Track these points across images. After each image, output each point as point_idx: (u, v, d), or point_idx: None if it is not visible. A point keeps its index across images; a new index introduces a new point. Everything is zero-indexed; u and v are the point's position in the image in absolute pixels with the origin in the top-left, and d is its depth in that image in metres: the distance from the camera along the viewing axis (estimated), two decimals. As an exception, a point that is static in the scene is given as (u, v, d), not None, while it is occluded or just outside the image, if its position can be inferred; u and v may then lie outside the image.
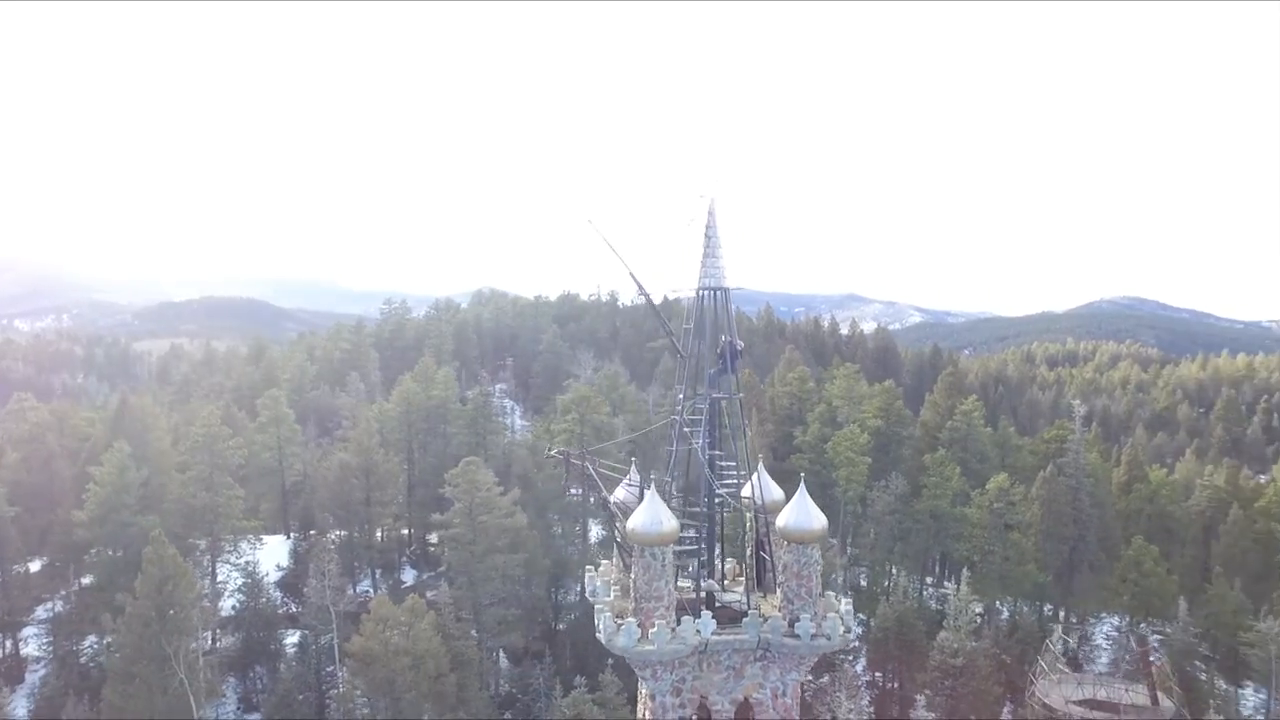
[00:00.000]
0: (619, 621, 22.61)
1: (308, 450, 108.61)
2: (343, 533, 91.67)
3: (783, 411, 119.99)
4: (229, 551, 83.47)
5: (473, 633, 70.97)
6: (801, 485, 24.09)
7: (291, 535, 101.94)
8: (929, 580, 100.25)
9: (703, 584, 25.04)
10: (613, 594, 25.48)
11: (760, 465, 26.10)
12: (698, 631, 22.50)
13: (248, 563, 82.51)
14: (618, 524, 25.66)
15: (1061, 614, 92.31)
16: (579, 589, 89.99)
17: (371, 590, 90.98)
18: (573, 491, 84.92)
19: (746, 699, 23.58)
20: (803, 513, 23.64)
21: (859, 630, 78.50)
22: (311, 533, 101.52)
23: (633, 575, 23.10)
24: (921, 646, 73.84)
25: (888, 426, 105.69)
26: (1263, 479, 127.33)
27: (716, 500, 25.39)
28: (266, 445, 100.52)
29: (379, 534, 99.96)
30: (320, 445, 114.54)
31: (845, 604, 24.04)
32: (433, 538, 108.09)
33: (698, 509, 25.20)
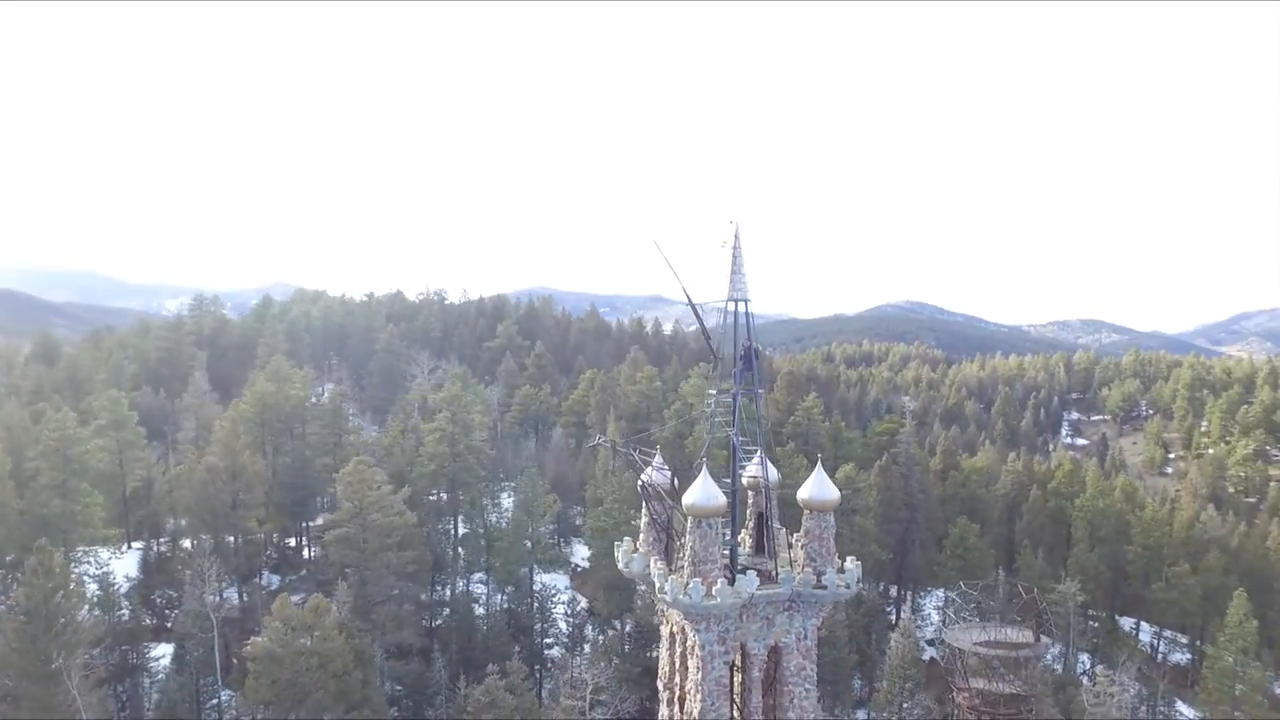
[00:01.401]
0: (686, 583, 26.55)
1: (145, 454, 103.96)
2: (203, 538, 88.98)
3: (632, 410, 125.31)
4: (85, 562, 79.50)
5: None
6: (819, 464, 28.94)
7: (131, 544, 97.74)
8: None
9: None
10: (652, 563, 29.31)
11: (761, 450, 30.73)
12: (745, 588, 26.83)
13: (106, 574, 78.98)
14: (654, 502, 29.61)
15: (894, 589, 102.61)
16: (450, 586, 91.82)
17: (238, 597, 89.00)
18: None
19: (776, 644, 28.10)
20: (821, 486, 28.50)
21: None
22: (163, 540, 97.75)
23: (689, 543, 27.06)
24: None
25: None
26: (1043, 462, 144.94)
27: (741, 479, 29.78)
28: (105, 449, 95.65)
29: (237, 539, 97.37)
30: (154, 448, 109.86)
31: (851, 561, 29.00)
32: (292, 541, 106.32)
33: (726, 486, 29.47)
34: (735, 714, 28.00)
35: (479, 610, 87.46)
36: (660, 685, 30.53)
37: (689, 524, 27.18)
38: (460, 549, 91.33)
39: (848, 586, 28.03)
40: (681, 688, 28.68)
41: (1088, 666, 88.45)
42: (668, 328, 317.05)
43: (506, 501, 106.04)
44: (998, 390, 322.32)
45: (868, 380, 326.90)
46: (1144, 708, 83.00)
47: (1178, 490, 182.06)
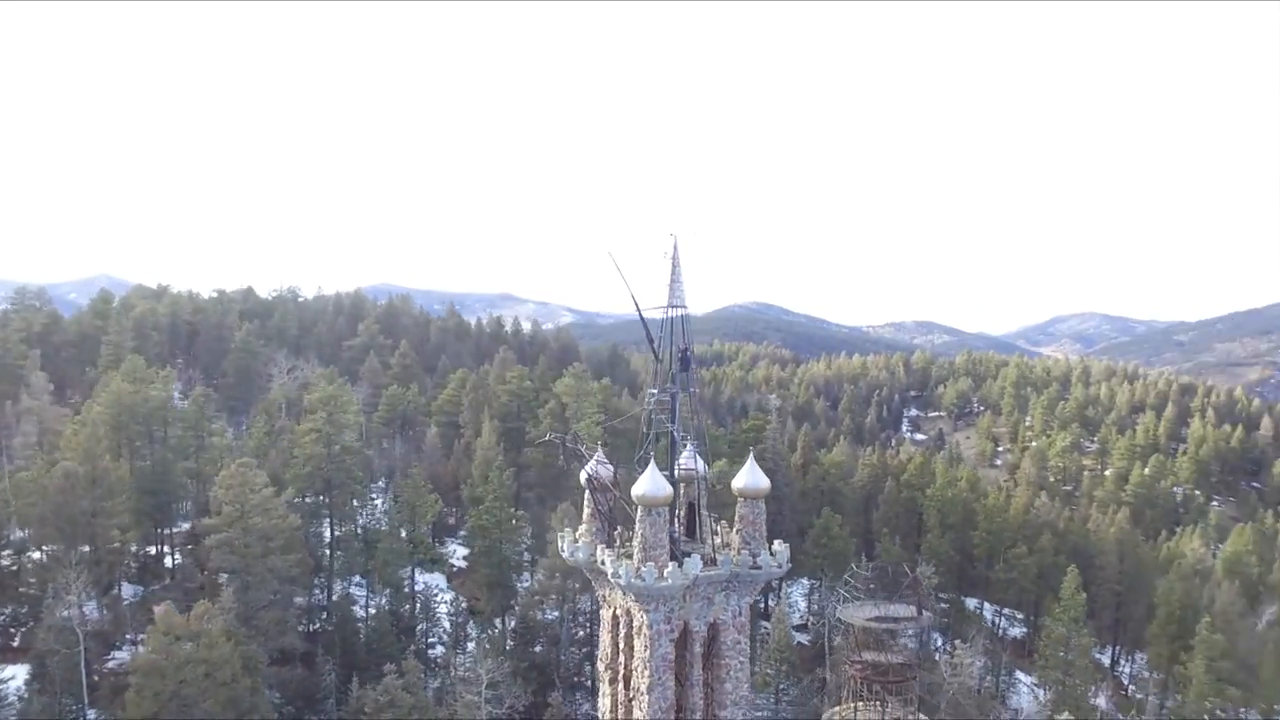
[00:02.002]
0: (638, 567, 28.65)
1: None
2: (55, 548, 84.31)
3: (503, 409, 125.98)
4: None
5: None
6: (751, 456, 31.62)
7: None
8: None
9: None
10: (599, 551, 31.27)
11: (690, 444, 33.21)
12: (692, 570, 29.18)
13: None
14: (599, 494, 31.58)
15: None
16: (327, 590, 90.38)
17: (97, 610, 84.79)
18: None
19: (715, 621, 30.59)
20: (755, 476, 31.20)
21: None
22: (6, 552, 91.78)
23: (640, 530, 29.18)
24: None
25: (608, 420, 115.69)
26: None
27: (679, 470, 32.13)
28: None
29: (93, 548, 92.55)
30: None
31: (780, 544, 31.80)
32: (152, 549, 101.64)
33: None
34: (677, 687, 30.27)
35: (359, 613, 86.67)
36: (601, 666, 32.50)
37: (639, 513, 29.30)
38: (339, 551, 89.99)
39: (779, 566, 30.83)
40: (626, 666, 30.74)
41: (940, 644, 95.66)
42: (527, 326, 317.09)
43: (377, 502, 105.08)
44: (844, 388, 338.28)
45: (721, 379, 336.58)
46: (989, 677, 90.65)
47: (1007, 481, 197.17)
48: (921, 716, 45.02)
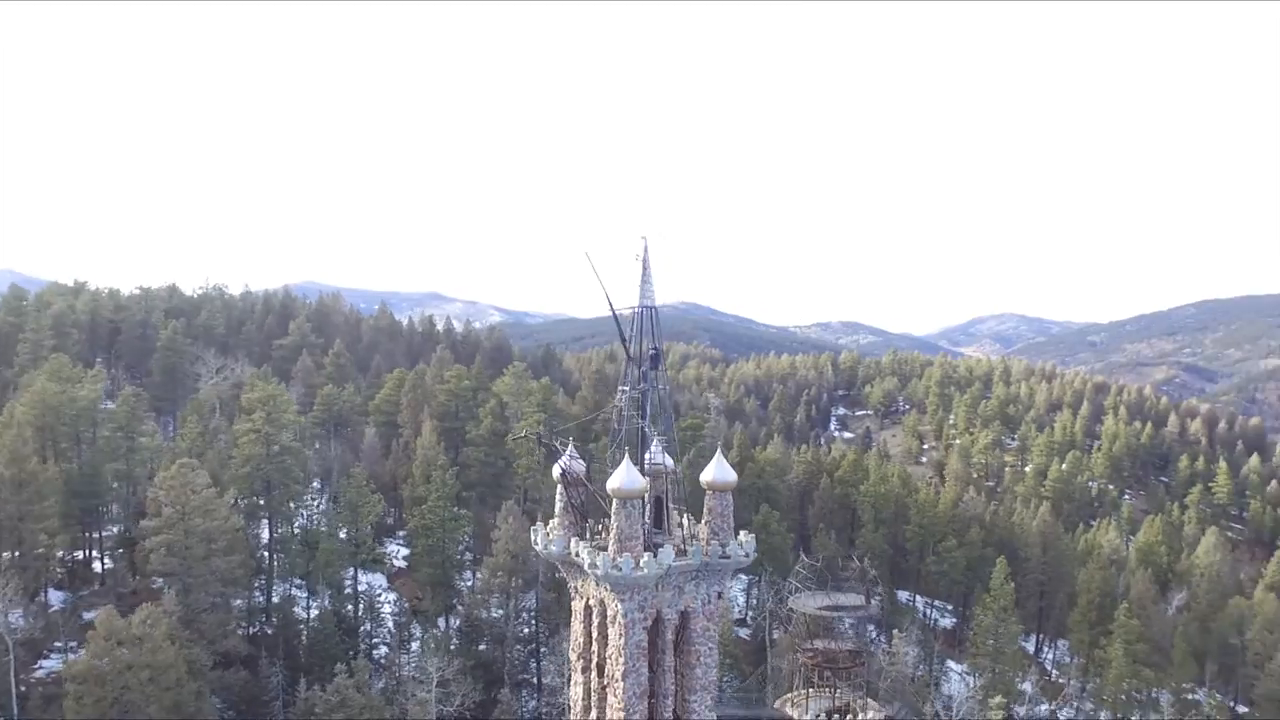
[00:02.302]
0: (614, 558, 29.64)
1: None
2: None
3: (442, 409, 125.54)
4: None
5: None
6: (720, 450, 32.83)
7: None
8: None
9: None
10: (573, 544, 32.18)
11: (658, 439, 34.34)
12: (666, 560, 30.29)
13: None
14: (573, 488, 32.48)
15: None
16: (267, 592, 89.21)
17: (24, 618, 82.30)
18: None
19: (686, 609, 31.76)
20: (723, 470, 32.48)
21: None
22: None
23: (615, 522, 30.17)
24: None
25: (549, 419, 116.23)
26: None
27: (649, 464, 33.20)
28: None
29: (14, 553, 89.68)
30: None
31: (745, 535, 33.10)
32: (80, 554, 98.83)
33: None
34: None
35: (300, 614, 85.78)
36: (573, 656, 33.42)
37: (614, 505, 30.31)
38: (279, 552, 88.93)
39: (746, 555, 32.14)
40: (600, 654, 31.74)
41: (874, 635, 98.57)
42: (458, 326, 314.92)
43: (313, 504, 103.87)
44: (773, 388, 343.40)
45: (614, 379, 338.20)
46: (922, 666, 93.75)
47: (933, 478, 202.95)
48: (870, 700, 46.88)
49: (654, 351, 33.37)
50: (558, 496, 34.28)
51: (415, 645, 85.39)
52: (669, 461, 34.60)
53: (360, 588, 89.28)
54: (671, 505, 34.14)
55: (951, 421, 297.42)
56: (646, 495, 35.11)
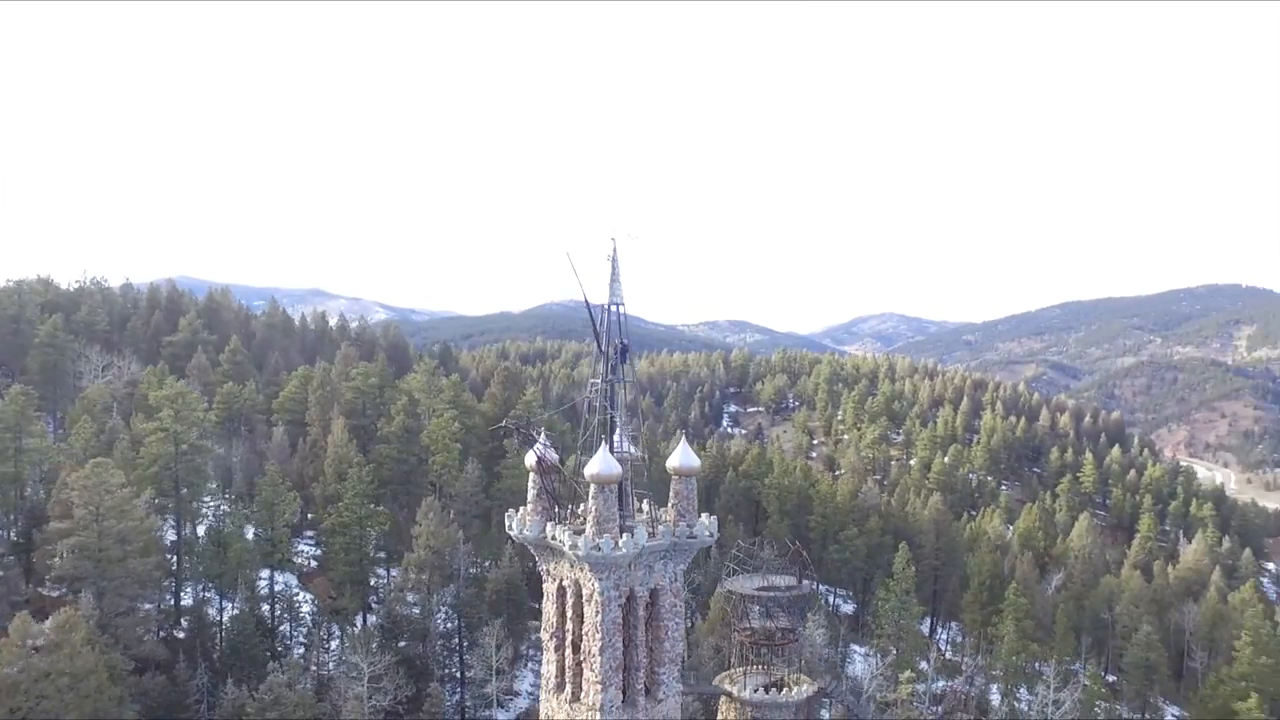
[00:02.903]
0: (594, 540, 31.45)
1: None
2: None
3: (349, 406, 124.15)
4: None
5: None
6: (684, 437, 35.00)
7: None
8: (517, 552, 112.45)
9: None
10: (549, 528, 33.82)
11: (623, 429, 36.30)
12: (641, 540, 32.30)
13: None
14: (549, 475, 34.13)
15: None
16: (176, 593, 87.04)
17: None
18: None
19: (656, 587, 33.82)
20: (688, 456, 34.68)
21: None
22: None
23: (593, 506, 31.98)
24: (531, 606, 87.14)
25: (459, 415, 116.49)
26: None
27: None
28: None
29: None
30: None
31: (707, 517, 35.37)
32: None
33: (606, 459, 34.58)
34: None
35: (213, 616, 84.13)
36: (545, 635, 35.05)
37: (592, 490, 32.12)
38: (191, 554, 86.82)
39: (710, 535, 34.43)
40: (575, 632, 33.49)
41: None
42: (349, 323, 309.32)
43: (214, 504, 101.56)
44: (667, 385, 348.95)
45: (549, 376, 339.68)
46: (828, 650, 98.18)
47: (824, 471, 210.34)
48: (803, 675, 49.90)
49: (622, 346, 35.29)
50: (530, 484, 35.79)
51: (334, 644, 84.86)
52: (633, 449, 36.54)
53: (278, 588, 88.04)
54: (632, 490, 36.04)
55: (840, 417, 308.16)
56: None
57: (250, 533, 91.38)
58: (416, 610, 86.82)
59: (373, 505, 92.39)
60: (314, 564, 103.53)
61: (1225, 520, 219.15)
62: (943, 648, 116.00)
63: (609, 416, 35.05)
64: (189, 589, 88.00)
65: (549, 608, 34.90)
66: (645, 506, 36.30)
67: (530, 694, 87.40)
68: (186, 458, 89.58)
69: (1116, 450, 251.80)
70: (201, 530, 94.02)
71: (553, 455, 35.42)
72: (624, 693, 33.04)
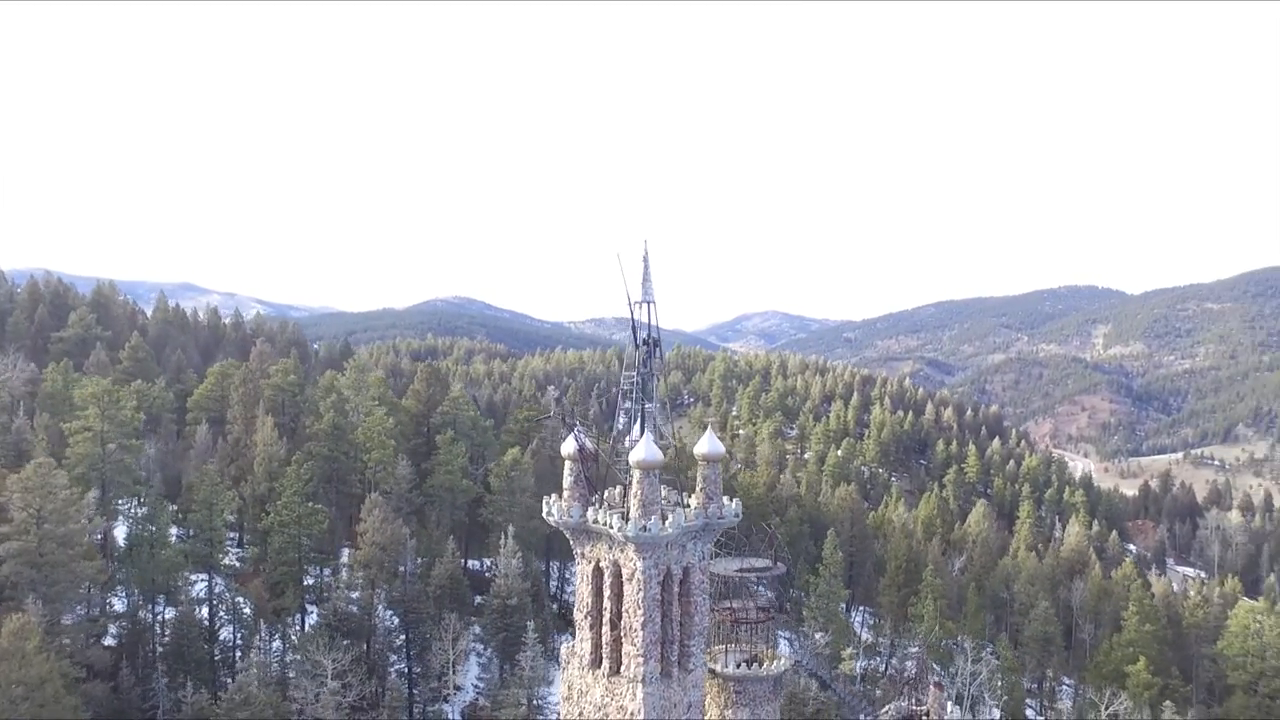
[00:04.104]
0: (642, 522, 33.78)
1: None
2: None
3: (269, 404, 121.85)
4: None
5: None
6: (710, 427, 37.64)
7: None
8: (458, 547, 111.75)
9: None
10: (590, 512, 35.95)
11: (644, 420, 38.73)
12: (682, 521, 34.81)
13: None
14: (588, 462, 36.29)
15: (556, 564, 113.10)
16: (107, 597, 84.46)
17: None
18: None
19: (687, 564, 36.38)
20: (714, 444, 37.36)
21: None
22: None
23: (639, 491, 34.29)
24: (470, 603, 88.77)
25: (393, 412, 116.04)
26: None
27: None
28: None
29: None
30: None
31: (732, 500, 38.12)
32: None
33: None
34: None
35: (147, 618, 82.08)
36: (579, 615, 37.15)
37: (637, 475, 34.44)
38: (120, 558, 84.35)
39: (736, 516, 37.23)
40: (613, 610, 35.73)
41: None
42: (238, 318, 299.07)
43: (134, 504, 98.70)
44: (564, 381, 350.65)
45: (446, 373, 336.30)
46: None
47: (737, 465, 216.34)
48: (779, 653, 53.19)
49: (654, 342, 37.70)
50: (567, 472, 37.74)
51: (276, 644, 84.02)
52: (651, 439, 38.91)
53: (215, 589, 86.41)
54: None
55: (735, 413, 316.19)
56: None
57: (174, 534, 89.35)
58: (355, 609, 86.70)
59: (309, 504, 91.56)
60: (239, 564, 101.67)
61: (1094, 506, 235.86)
62: (857, 630, 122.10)
63: (643, 407, 37.38)
64: (120, 594, 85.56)
65: (583, 588, 37.01)
66: (664, 491, 38.72)
67: (476, 687, 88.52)
68: (115, 458, 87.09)
69: (996, 442, 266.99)
70: (121, 533, 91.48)
71: (590, 444, 37.51)
72: (660, 664, 35.48)
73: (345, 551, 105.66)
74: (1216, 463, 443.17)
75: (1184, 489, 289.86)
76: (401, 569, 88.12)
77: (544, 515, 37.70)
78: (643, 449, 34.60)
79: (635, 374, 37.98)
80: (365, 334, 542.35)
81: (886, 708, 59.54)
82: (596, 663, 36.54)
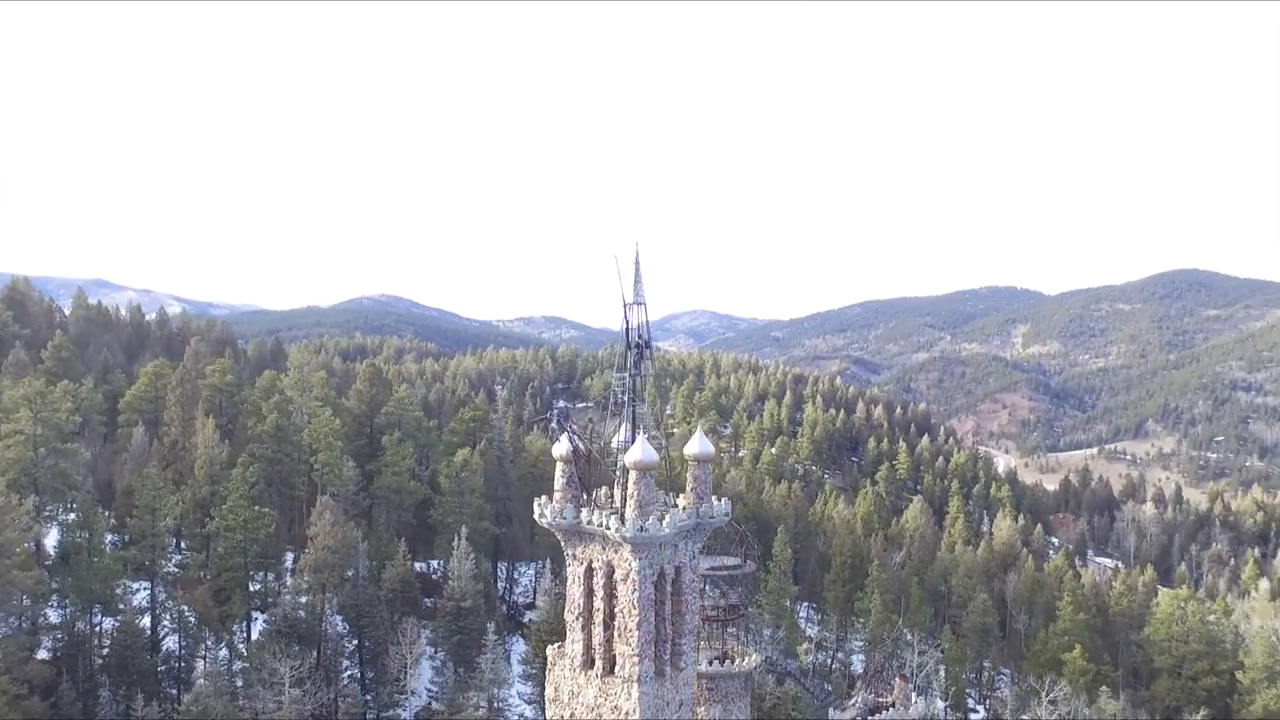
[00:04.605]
0: (640, 522, 33.98)
1: None
2: None
3: (207, 404, 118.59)
4: None
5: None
6: (700, 427, 38.01)
7: None
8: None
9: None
10: (584, 513, 36.03)
11: (633, 421, 38.97)
12: (678, 521, 35.11)
13: None
14: (578, 464, 36.33)
15: (503, 565, 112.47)
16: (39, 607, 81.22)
17: None
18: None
19: (679, 564, 36.71)
20: (704, 444, 37.78)
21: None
22: None
23: (635, 491, 34.48)
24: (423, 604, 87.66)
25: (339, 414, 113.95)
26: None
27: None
28: None
29: None
30: None
31: (722, 500, 38.54)
32: None
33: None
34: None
35: (82, 628, 79.23)
36: (570, 616, 37.20)
37: (633, 476, 34.63)
38: (53, 567, 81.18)
39: (726, 515, 37.69)
40: (605, 610, 35.88)
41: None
42: (163, 316, 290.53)
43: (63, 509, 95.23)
44: (497, 380, 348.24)
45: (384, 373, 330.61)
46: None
47: (678, 468, 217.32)
48: (750, 649, 54.01)
49: (645, 343, 37.92)
50: (560, 473, 37.73)
51: (223, 653, 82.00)
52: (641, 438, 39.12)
53: (155, 597, 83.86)
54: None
55: (669, 411, 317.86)
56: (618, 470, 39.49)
57: (109, 541, 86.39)
58: (304, 614, 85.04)
59: (256, 507, 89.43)
60: (179, 571, 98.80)
61: (1019, 500, 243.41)
62: (800, 624, 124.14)
63: (632, 408, 37.57)
64: (55, 605, 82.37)
65: (574, 589, 37.07)
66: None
67: (429, 691, 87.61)
68: (48, 462, 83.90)
69: (926, 440, 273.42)
70: (51, 541, 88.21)
71: (582, 446, 37.58)
72: (654, 664, 35.76)
73: (289, 556, 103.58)
74: (1128, 457, 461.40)
75: (1101, 484, 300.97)
76: (352, 573, 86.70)
77: (535, 517, 37.63)
78: (639, 450, 34.83)
79: (627, 376, 38.16)
80: (290, 332, 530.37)
81: (853, 700, 60.86)
82: (589, 664, 36.65)
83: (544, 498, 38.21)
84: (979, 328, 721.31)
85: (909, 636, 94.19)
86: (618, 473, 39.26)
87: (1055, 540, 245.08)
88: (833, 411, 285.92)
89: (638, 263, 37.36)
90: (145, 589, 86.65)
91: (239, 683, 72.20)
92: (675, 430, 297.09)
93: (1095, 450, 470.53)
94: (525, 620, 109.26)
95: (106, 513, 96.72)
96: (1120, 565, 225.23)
